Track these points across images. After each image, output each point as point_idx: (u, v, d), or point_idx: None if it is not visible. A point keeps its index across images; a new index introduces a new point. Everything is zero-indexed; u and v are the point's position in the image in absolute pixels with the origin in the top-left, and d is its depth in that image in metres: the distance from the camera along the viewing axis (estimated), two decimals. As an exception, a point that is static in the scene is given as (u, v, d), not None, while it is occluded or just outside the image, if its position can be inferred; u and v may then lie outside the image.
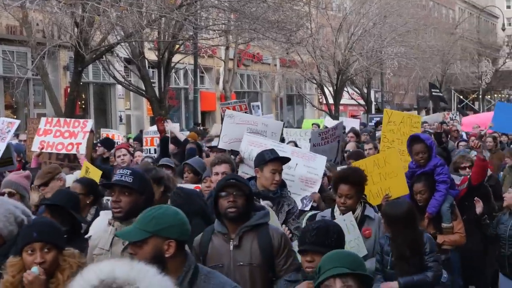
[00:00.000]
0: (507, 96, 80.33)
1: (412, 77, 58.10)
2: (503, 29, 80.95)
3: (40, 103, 34.80)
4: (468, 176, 10.72)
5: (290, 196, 8.56)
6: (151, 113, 29.63)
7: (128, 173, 6.10)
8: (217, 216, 6.37)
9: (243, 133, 11.03)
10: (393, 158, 9.81)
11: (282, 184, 8.39)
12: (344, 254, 4.75)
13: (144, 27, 22.83)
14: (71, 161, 12.98)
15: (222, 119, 13.42)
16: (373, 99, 54.47)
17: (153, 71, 32.53)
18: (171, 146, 15.07)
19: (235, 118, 12.02)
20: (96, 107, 38.69)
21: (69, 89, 26.23)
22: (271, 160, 8.27)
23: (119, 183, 6.06)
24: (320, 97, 51.98)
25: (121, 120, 39.97)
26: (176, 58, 29.78)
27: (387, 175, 9.50)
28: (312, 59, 42.18)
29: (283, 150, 9.93)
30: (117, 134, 22.69)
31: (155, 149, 16.15)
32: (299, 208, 9.36)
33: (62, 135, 13.07)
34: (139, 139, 21.14)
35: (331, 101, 43.38)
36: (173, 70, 31.10)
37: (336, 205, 7.79)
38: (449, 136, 19.48)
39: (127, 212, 5.99)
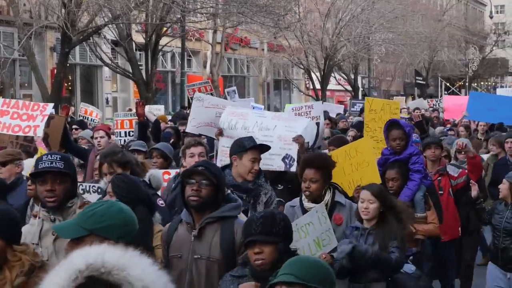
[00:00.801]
0: (493, 84, 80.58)
1: (399, 64, 58.12)
2: (491, 17, 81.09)
3: (26, 84, 34.66)
4: (465, 170, 10.68)
5: (266, 183, 8.12)
6: (138, 95, 29.60)
7: (58, 158, 5.67)
8: (184, 204, 6.03)
9: (212, 117, 10.81)
10: (364, 147, 9.41)
11: (257, 172, 7.97)
12: (305, 262, 4.25)
13: (132, 9, 22.82)
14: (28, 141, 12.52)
15: (188, 102, 13.10)
16: (360, 85, 54.49)
17: (140, 54, 32.46)
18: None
19: (204, 102, 11.51)
20: (82, 89, 38.55)
21: (55, 70, 26.16)
22: (251, 148, 7.89)
23: (51, 170, 5.62)
24: (307, 82, 51.99)
25: (107, 102, 39.87)
26: (163, 41, 29.73)
27: (359, 165, 9.14)
28: (300, 44, 42.15)
29: (263, 116, 9.82)
30: (95, 112, 22.00)
31: (125, 132, 15.51)
32: (283, 169, 9.40)
33: (20, 118, 12.49)
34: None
35: (318, 86, 43.40)
36: (160, 53, 31.08)
37: (303, 193, 7.49)
38: (429, 123, 19.32)
39: (62, 201, 5.65)
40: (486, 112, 17.50)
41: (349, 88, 49.88)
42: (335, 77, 48.62)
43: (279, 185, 9.44)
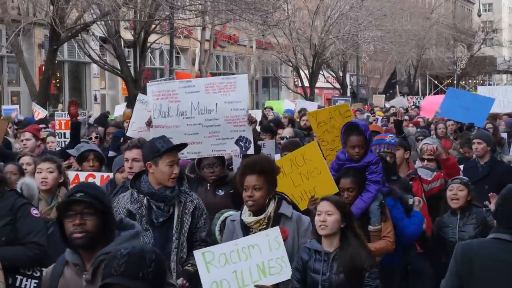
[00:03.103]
0: (481, 82, 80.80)
1: (388, 62, 58.19)
2: (479, 15, 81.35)
3: (14, 81, 34.58)
4: (441, 173, 9.83)
5: (190, 191, 7.01)
6: (126, 93, 29.57)
7: None
8: (65, 243, 4.84)
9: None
10: (313, 153, 8.37)
11: (180, 177, 6.89)
12: None
13: (121, 6, 22.79)
14: None
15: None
16: (348, 83, 54.59)
17: (128, 51, 32.39)
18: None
19: (148, 105, 9.95)
20: (71, 86, 38.48)
21: (43, 67, 26.12)
22: (166, 151, 6.79)
23: None
24: (295, 80, 52.04)
25: (95, 99, 39.81)
26: (152, 38, 29.71)
27: (309, 174, 8.20)
28: (289, 41, 42.19)
29: (194, 87, 8.80)
30: (39, 111, 21.14)
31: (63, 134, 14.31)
32: (238, 152, 8.72)
33: None
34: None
35: (306, 84, 43.46)
36: (149, 50, 31.06)
37: (244, 205, 6.58)
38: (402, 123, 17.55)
39: None
40: (458, 110, 16.78)
41: (337, 85, 49.94)
42: (323, 75, 48.67)
43: (220, 190, 8.59)
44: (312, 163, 8.19)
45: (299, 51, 43.39)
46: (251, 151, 8.61)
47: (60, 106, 33.69)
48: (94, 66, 36.48)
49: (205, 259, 6.07)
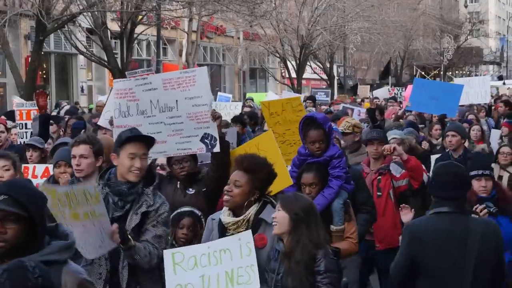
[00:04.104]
0: (468, 72, 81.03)
1: (375, 53, 58.26)
2: (466, 6, 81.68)
3: (0, 72, 34.42)
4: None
5: (157, 195, 6.44)
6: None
7: None
8: None
9: None
10: (267, 143, 8.11)
11: (150, 177, 6.46)
12: None
13: (107, -4, 22.65)
14: None
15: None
16: (335, 74, 54.60)
17: (115, 42, 32.25)
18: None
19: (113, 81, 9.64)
20: (57, 77, 38.37)
21: (30, 59, 26.01)
22: (128, 140, 6.37)
23: None
24: (283, 71, 52.05)
25: (82, 90, 39.70)
26: (139, 29, 29.61)
27: None
28: (276, 32, 42.15)
29: (150, 84, 8.29)
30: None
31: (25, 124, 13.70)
32: (204, 151, 8.21)
33: None
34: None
35: (293, 75, 43.43)
36: (135, 41, 30.98)
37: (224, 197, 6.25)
38: (383, 113, 16.96)
39: None
40: (428, 101, 16.04)
41: (324, 77, 49.92)
42: (310, 66, 48.65)
43: (190, 189, 8.20)
44: (266, 153, 7.68)
45: (286, 42, 43.35)
46: (217, 149, 8.08)
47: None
48: (81, 58, 36.35)
49: (173, 260, 5.86)
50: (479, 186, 7.44)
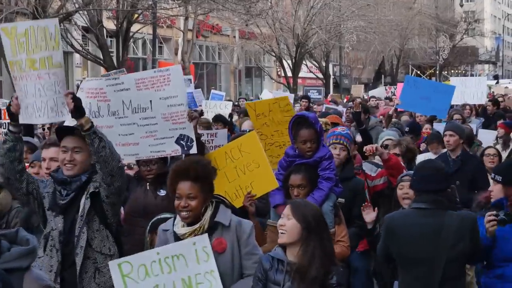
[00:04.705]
0: (463, 71, 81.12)
1: (371, 52, 58.36)
2: (461, 5, 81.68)
3: (-4, 71, 34.43)
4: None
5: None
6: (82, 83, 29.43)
7: None
8: None
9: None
10: (250, 144, 7.68)
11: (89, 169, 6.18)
12: None
13: (103, -5, 22.65)
14: None
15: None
16: (331, 73, 54.65)
17: (111, 40, 32.29)
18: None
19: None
20: (53, 75, 38.35)
21: (25, 57, 25.95)
22: (59, 133, 6.24)
23: None
24: (278, 70, 52.05)
25: (78, 89, 39.67)
26: (134, 27, 29.59)
27: (246, 168, 7.56)
28: (271, 31, 42.19)
29: (123, 84, 7.79)
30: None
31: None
32: (180, 152, 7.78)
33: None
34: None
35: (289, 74, 43.47)
36: (131, 40, 30.91)
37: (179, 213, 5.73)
38: (368, 113, 15.92)
39: None
40: (418, 101, 15.43)
41: (320, 75, 49.97)
42: (306, 65, 48.71)
43: (161, 190, 7.77)
44: (249, 155, 7.57)
45: (282, 41, 43.39)
46: (193, 150, 7.65)
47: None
48: (77, 56, 36.32)
49: (121, 272, 5.31)
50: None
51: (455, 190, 7.39)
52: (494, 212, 6.23)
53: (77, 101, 5.89)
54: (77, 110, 5.92)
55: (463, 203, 8.27)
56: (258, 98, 25.98)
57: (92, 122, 5.93)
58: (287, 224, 5.41)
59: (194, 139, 7.69)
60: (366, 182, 8.88)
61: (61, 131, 6.27)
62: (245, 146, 7.68)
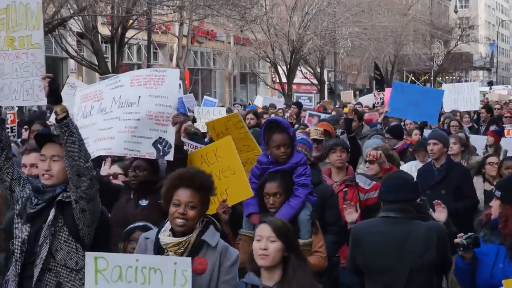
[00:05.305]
0: (458, 78, 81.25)
1: (365, 58, 58.42)
2: (456, 11, 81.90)
3: (-10, 76, 34.39)
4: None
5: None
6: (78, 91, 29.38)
7: None
8: None
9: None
10: (226, 150, 7.37)
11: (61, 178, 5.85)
12: None
13: (98, 1, 22.68)
14: None
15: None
16: (326, 79, 54.68)
17: (106, 46, 32.28)
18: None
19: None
20: (48, 81, 38.36)
21: (20, 63, 25.94)
22: (39, 141, 6.00)
23: None
24: (273, 75, 52.11)
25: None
26: (129, 33, 29.63)
27: (221, 174, 7.24)
28: (266, 37, 42.20)
29: (119, 82, 7.72)
30: None
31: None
32: (154, 156, 7.43)
33: None
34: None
35: (284, 80, 43.49)
36: (126, 46, 30.95)
37: (165, 223, 5.46)
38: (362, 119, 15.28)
39: None
40: (407, 107, 14.99)
41: (315, 81, 50.00)
42: (301, 71, 48.73)
43: (143, 200, 7.43)
44: (225, 161, 7.26)
45: (277, 47, 43.42)
46: (169, 157, 7.34)
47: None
48: (71, 62, 36.34)
49: (96, 266, 5.04)
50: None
51: (425, 202, 7.00)
52: (463, 235, 5.83)
53: (54, 85, 5.65)
54: (53, 95, 5.66)
55: (450, 213, 8.22)
56: (251, 104, 25.99)
57: (67, 112, 5.61)
58: (270, 248, 5.20)
59: (173, 145, 7.36)
60: (358, 195, 8.55)
61: (41, 138, 5.97)
62: (221, 151, 7.37)
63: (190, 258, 5.04)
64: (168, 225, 5.36)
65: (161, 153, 7.33)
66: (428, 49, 69.19)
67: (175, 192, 5.29)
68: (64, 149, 5.61)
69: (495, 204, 6.03)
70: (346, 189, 8.48)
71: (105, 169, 8.69)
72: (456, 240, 5.81)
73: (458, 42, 74.46)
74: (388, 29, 50.48)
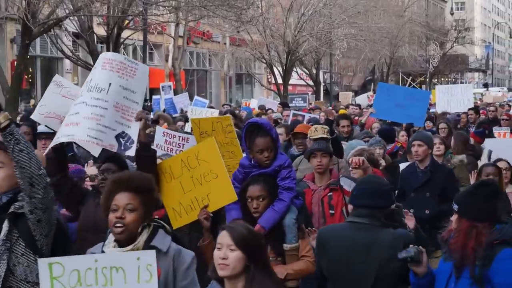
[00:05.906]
0: (453, 80, 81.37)
1: (361, 59, 58.44)
2: (451, 13, 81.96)
3: (-15, 76, 34.34)
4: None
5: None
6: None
7: None
8: None
9: (64, 111, 7.57)
10: (209, 152, 7.00)
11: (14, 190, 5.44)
12: None
13: (94, 1, 22.66)
14: None
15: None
16: (321, 80, 54.69)
17: (101, 46, 32.22)
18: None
19: (63, 89, 8.75)
20: (43, 81, 38.22)
21: (15, 63, 25.93)
22: None
23: None
24: (269, 76, 52.10)
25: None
26: (125, 33, 29.58)
27: (203, 178, 6.92)
28: (262, 38, 42.19)
29: (95, 67, 7.38)
30: None
31: None
32: (115, 149, 7.05)
33: None
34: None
35: (280, 81, 43.48)
36: (122, 46, 30.93)
37: (110, 234, 5.17)
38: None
39: None
40: (393, 109, 15.02)
41: (310, 83, 50.01)
42: (297, 72, 48.74)
43: None
44: (207, 164, 6.91)
45: (272, 48, 43.40)
46: (131, 152, 7.04)
47: (32, 101, 33.48)
48: (67, 62, 36.30)
49: (51, 273, 4.68)
50: None
51: (401, 208, 6.80)
52: (404, 250, 5.61)
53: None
54: None
55: (434, 215, 8.08)
56: (243, 105, 25.98)
57: (11, 120, 5.19)
58: (230, 257, 4.80)
59: (135, 141, 7.06)
60: (344, 199, 8.12)
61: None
62: (203, 154, 6.99)
63: (154, 250, 4.78)
64: (111, 237, 5.07)
65: (122, 148, 7.03)
66: (424, 51, 69.36)
67: (113, 197, 5.02)
68: (13, 158, 5.21)
69: (454, 218, 5.62)
70: (331, 193, 8.12)
71: (94, 169, 8.49)
72: (399, 255, 5.59)
73: (454, 44, 74.69)
74: (384, 31, 50.54)
